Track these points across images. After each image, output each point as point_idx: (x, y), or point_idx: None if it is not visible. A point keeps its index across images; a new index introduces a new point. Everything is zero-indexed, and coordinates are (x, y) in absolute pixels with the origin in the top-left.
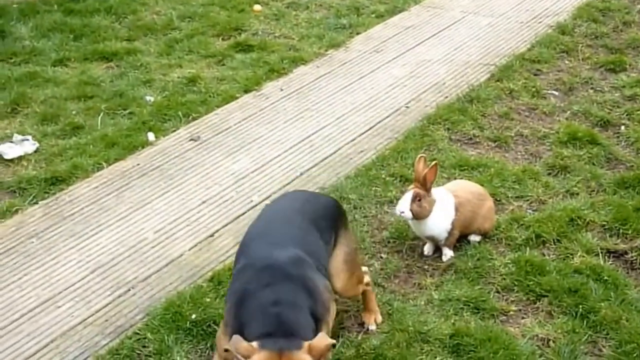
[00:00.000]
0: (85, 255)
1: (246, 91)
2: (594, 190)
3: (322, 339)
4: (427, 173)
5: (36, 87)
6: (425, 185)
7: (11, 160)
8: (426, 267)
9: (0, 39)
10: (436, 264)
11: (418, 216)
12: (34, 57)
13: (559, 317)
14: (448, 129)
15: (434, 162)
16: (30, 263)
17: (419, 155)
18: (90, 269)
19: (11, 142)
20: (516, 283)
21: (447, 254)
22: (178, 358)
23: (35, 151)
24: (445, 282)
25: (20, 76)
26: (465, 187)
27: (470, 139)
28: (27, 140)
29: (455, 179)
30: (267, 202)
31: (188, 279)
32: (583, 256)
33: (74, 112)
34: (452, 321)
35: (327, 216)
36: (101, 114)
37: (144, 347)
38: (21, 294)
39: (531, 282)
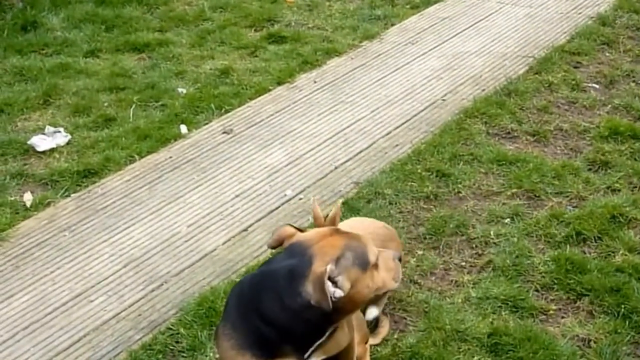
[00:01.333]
0: (118, 249)
1: (279, 83)
2: (636, 187)
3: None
4: (335, 218)
5: (68, 78)
6: None
7: (43, 153)
8: (463, 264)
9: (32, 29)
10: (474, 261)
11: None
12: (65, 48)
13: (600, 317)
14: (485, 122)
15: (339, 204)
16: (63, 256)
17: (312, 198)
18: (123, 263)
19: (43, 134)
20: (556, 281)
21: (372, 312)
22: (211, 354)
23: (68, 143)
24: (483, 280)
25: (52, 67)
26: (363, 228)
27: (508, 133)
28: (59, 132)
29: (492, 174)
30: (301, 196)
31: (221, 274)
32: (625, 254)
33: (105, 104)
34: (490, 320)
35: None
36: (133, 106)
37: (177, 342)
38: (54, 288)
39: (571, 281)
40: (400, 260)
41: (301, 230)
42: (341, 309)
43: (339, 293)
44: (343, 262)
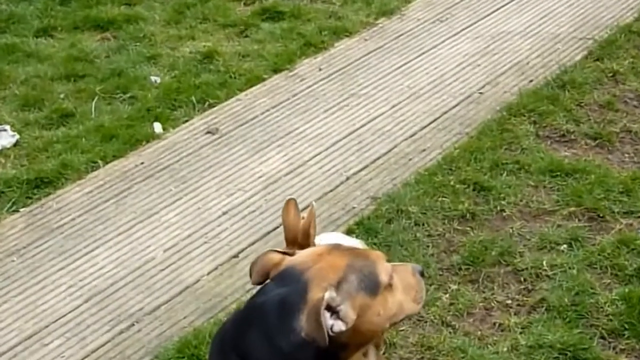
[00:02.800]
0: (78, 279)
1: (276, 71)
2: None
3: None
4: (306, 224)
5: (15, 63)
6: (308, 245)
7: None
8: (509, 302)
9: None
10: (522, 299)
11: None
12: (11, 25)
13: None
14: (534, 122)
15: (310, 208)
16: (9, 288)
17: (287, 199)
18: (85, 297)
19: None
20: (626, 326)
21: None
22: None
23: (15, 145)
24: (535, 323)
25: None
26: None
27: (563, 135)
28: (5, 130)
29: (544, 187)
30: (304, 214)
31: (206, 311)
32: None
33: (62, 96)
34: None
35: None
36: (95, 99)
37: None
38: None
39: None
40: (422, 274)
41: (290, 254)
42: (348, 345)
43: (338, 326)
44: (346, 287)
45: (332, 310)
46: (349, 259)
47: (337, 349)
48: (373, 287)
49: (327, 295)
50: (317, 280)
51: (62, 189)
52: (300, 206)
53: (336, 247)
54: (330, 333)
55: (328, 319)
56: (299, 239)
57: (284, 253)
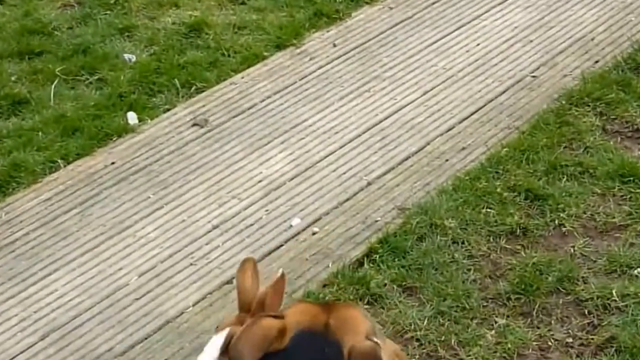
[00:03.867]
0: (32, 311)
1: (279, 47)
2: None
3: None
4: (269, 293)
5: None
6: None
7: None
8: (570, 340)
9: None
10: (587, 337)
11: None
12: None
13: None
14: (601, 113)
15: (280, 273)
16: None
17: (243, 260)
18: (40, 333)
19: None
20: None
21: None
22: None
23: None
24: None
25: None
26: None
27: (637, 130)
28: None
29: (612, 196)
30: (315, 228)
31: (193, 352)
32: None
33: (13, 78)
34: None
35: None
36: (55, 82)
37: None
38: None
39: None
40: None
41: (279, 317)
42: None
43: None
44: (378, 333)
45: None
46: (355, 309)
47: None
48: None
49: (374, 340)
50: (350, 335)
51: (12, 196)
52: (310, 218)
53: (319, 304)
54: None
55: None
56: (252, 308)
57: (274, 316)
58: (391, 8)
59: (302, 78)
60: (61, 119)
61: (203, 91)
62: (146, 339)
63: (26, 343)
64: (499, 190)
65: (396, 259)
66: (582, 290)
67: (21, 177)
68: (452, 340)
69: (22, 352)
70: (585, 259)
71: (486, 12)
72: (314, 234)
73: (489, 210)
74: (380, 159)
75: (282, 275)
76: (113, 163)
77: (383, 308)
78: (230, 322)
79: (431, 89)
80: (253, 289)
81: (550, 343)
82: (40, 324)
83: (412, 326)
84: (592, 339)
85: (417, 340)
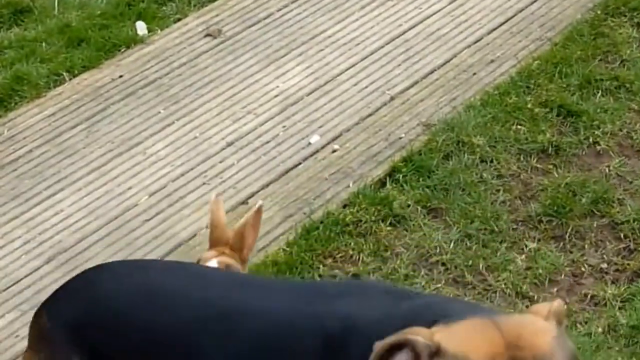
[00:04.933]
0: (37, 233)
1: None
2: None
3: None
4: (246, 227)
5: None
6: (241, 250)
7: None
8: (605, 266)
9: None
10: (623, 262)
11: None
12: None
13: None
14: (638, 24)
15: (258, 205)
16: None
17: (214, 194)
18: (46, 256)
19: None
20: None
21: None
22: None
23: None
24: (639, 296)
25: None
26: None
27: None
28: None
29: None
30: (336, 145)
31: None
32: None
33: None
34: None
35: None
36: None
37: None
38: None
39: None
40: None
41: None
42: None
43: None
44: None
45: None
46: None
47: None
48: None
49: None
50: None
51: (15, 111)
52: (329, 135)
53: (493, 322)
54: None
55: None
56: (230, 241)
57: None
58: None
59: None
60: (66, 29)
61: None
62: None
63: (31, 266)
64: (529, 105)
65: (421, 179)
66: (618, 212)
67: (24, 90)
68: (480, 265)
69: (27, 276)
70: (621, 180)
71: None
72: (333, 151)
73: (519, 127)
74: (404, 72)
75: (259, 208)
76: (121, 76)
77: (407, 230)
78: (213, 255)
79: None
80: (222, 224)
81: (583, 268)
82: (46, 247)
83: (438, 250)
84: (628, 264)
85: (443, 264)
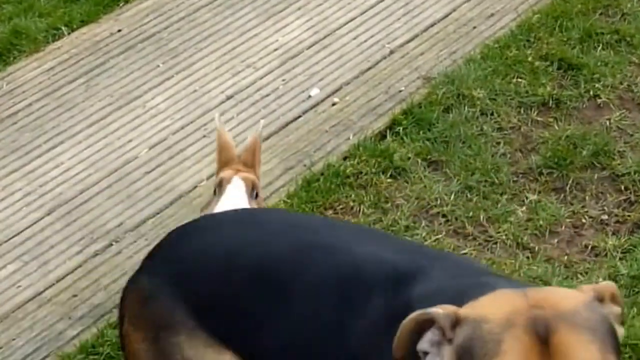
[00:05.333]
0: (37, 185)
1: None
2: None
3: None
4: (255, 144)
5: None
6: (253, 166)
7: None
8: (605, 217)
9: None
10: (623, 214)
11: None
12: None
13: None
14: None
15: (259, 127)
16: None
17: (216, 115)
18: (47, 209)
19: None
20: None
21: None
22: None
23: None
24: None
25: None
26: None
27: None
28: None
29: None
30: (335, 98)
31: None
32: None
33: None
34: None
35: None
36: None
37: None
38: None
39: None
40: None
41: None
42: None
43: None
44: None
45: None
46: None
47: None
48: None
49: None
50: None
51: (13, 65)
52: (329, 88)
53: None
54: None
55: None
56: (242, 158)
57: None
58: None
59: None
60: None
61: None
62: (158, 214)
63: (32, 218)
64: (530, 59)
65: (421, 132)
66: (619, 164)
67: (22, 45)
68: (481, 217)
69: (28, 227)
70: (621, 132)
71: None
72: (333, 104)
73: (519, 80)
74: (404, 25)
75: (257, 137)
76: (120, 30)
77: (407, 182)
78: (232, 173)
79: None
80: (232, 144)
81: (584, 220)
82: (46, 199)
83: (438, 201)
84: (629, 216)
85: (444, 216)
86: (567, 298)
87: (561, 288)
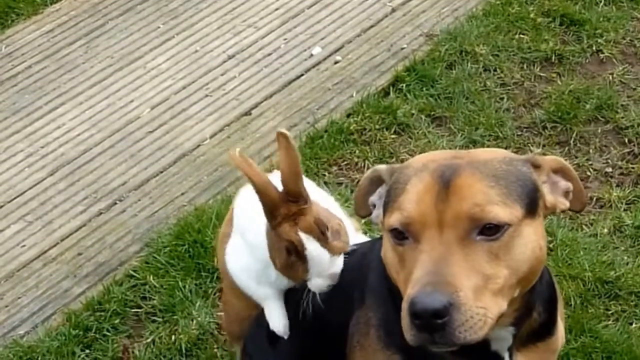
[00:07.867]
0: (39, 146)
1: None
2: None
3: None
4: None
5: None
6: (300, 193)
7: None
8: (609, 170)
9: None
10: (627, 166)
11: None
12: None
13: None
14: None
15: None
16: None
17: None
18: (49, 169)
19: None
20: None
21: None
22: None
23: None
24: None
25: None
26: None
27: None
28: None
29: None
30: (338, 56)
31: (211, 185)
32: None
33: None
34: None
35: None
36: None
37: (143, 298)
38: None
39: None
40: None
41: None
42: None
43: None
44: None
45: None
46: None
47: None
48: None
49: None
50: None
51: (12, 28)
52: (331, 46)
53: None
54: None
55: None
56: (286, 189)
57: None
58: None
59: None
60: None
61: None
62: (161, 172)
63: (35, 178)
64: (532, 15)
65: (424, 88)
66: (622, 118)
67: (20, 7)
68: None
69: (31, 188)
70: (624, 86)
71: None
72: (336, 62)
73: (522, 36)
74: None
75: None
76: None
77: (411, 138)
78: (294, 228)
79: None
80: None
81: (589, 173)
82: (49, 159)
83: None
84: (633, 168)
85: None
86: (486, 152)
87: (494, 148)
